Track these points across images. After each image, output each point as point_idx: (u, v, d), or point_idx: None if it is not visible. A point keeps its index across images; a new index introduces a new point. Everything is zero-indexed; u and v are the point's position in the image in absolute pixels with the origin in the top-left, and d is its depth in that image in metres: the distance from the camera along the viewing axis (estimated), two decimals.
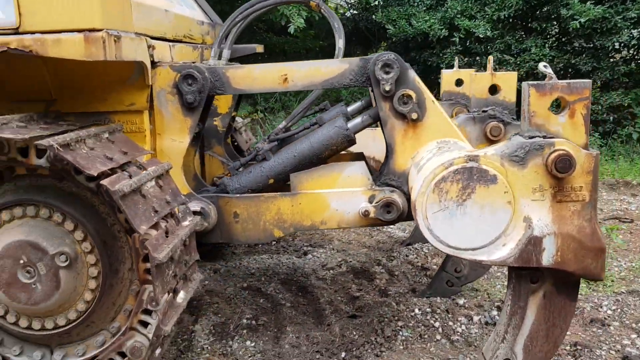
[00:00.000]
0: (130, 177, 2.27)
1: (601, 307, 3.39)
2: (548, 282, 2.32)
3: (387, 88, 2.64)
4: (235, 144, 4.38)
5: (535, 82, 2.16)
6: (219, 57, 3.19)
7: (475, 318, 3.25)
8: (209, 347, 3.07)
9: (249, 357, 2.96)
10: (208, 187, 3.07)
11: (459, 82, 3.81)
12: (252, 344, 3.09)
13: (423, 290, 3.66)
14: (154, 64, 2.73)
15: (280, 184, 2.99)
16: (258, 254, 4.48)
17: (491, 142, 3.10)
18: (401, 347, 2.99)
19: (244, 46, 4.19)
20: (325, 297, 3.62)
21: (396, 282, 3.86)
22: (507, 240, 2.23)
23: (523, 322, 2.36)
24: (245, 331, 3.21)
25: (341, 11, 12.48)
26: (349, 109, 3.11)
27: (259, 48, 4.24)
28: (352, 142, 2.89)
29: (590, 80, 2.18)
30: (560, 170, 2.14)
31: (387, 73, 2.65)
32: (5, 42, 2.13)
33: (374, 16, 8.70)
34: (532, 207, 2.21)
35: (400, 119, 2.69)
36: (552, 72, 2.17)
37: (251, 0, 3.25)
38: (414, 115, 2.65)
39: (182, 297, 2.46)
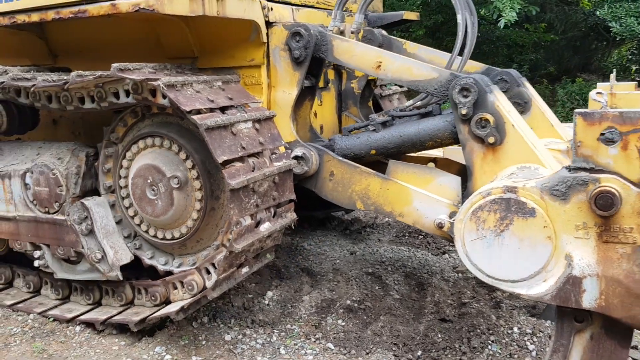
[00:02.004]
0: (223, 114, 2.68)
1: None
2: (596, 323, 2.17)
3: (464, 112, 2.62)
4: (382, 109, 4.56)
5: (583, 110, 2.01)
6: (341, 21, 3.41)
7: None
8: (306, 317, 3.33)
9: (334, 334, 3.14)
10: (322, 140, 3.35)
11: None
12: (343, 323, 3.25)
13: (543, 310, 3.38)
14: (270, 24, 3.10)
15: (381, 157, 3.12)
16: (397, 245, 4.56)
17: None
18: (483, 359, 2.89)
19: (391, 13, 4.34)
20: (435, 297, 3.57)
21: (519, 298, 3.56)
22: (548, 277, 2.14)
23: None
24: (342, 310, 3.38)
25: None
26: None
27: (409, 15, 4.32)
28: (457, 140, 2.87)
29: None
30: (601, 207, 2.00)
31: (465, 97, 2.63)
32: (137, 3, 2.69)
33: (597, 12, 7.80)
34: (575, 244, 2.09)
35: (479, 142, 2.63)
36: (604, 100, 1.97)
37: None
38: (491, 140, 2.58)
39: (265, 227, 2.82)
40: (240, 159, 2.67)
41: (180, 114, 2.70)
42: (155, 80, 2.57)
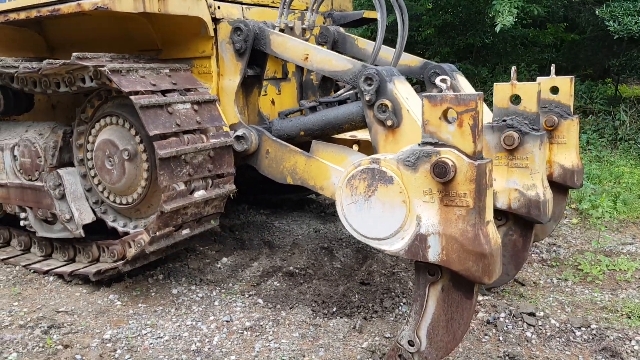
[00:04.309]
0: (163, 96, 3.16)
1: (629, 341, 2.96)
2: (445, 277, 2.50)
3: (367, 98, 3.03)
4: None
5: (428, 94, 2.35)
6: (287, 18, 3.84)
7: (480, 314, 3.22)
8: (249, 279, 3.76)
9: (266, 292, 3.54)
10: (266, 123, 3.79)
11: (554, 90, 3.75)
12: (278, 284, 3.65)
13: None
14: (217, 20, 3.57)
15: (309, 138, 3.53)
16: None
17: (507, 151, 3.13)
18: (391, 319, 3.19)
19: (352, 12, 4.74)
20: (372, 268, 3.89)
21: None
22: (405, 235, 2.47)
23: (425, 310, 2.56)
24: (282, 275, 3.80)
25: None
26: None
27: (368, 14, 4.70)
28: None
29: (478, 93, 2.27)
30: (437, 175, 2.32)
31: (369, 85, 3.03)
32: (95, 2, 3.21)
33: (597, 11, 7.85)
34: (424, 207, 2.41)
35: (381, 125, 3.03)
36: (447, 86, 2.31)
37: None
38: (389, 122, 2.99)
39: (200, 194, 3.28)
40: (175, 134, 3.14)
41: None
42: (103, 66, 3.07)
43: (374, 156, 2.58)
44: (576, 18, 11.11)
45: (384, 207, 2.54)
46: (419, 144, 2.44)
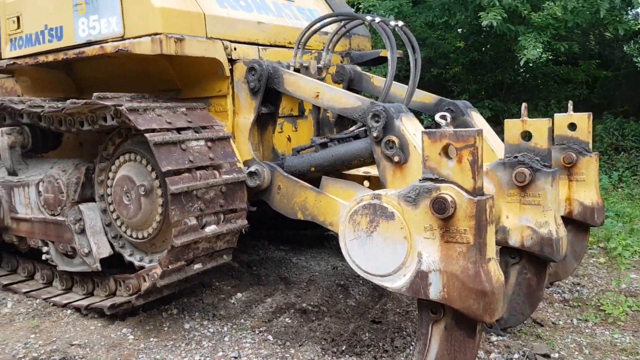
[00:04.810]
0: (178, 134, 3.26)
1: None
2: (448, 315, 2.47)
3: (375, 134, 3.08)
4: None
5: (428, 130, 2.38)
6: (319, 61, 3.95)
7: (493, 355, 3.14)
8: (261, 315, 3.73)
9: (276, 329, 3.51)
10: (280, 159, 3.85)
11: (572, 127, 3.74)
12: (290, 321, 3.62)
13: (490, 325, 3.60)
14: (233, 61, 3.68)
15: (319, 174, 3.56)
16: None
17: (519, 187, 3.11)
18: (402, 359, 3.13)
19: (370, 52, 4.82)
20: (386, 306, 3.85)
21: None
22: (407, 272, 2.47)
23: (429, 349, 2.52)
24: (295, 311, 3.78)
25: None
26: None
27: (385, 53, 4.76)
28: None
29: (477, 129, 2.28)
30: (437, 211, 2.33)
31: (376, 122, 3.08)
32: (117, 46, 3.37)
33: (625, 47, 7.77)
34: (425, 244, 2.41)
35: (388, 161, 3.07)
36: (447, 122, 2.33)
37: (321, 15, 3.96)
38: (396, 158, 3.02)
39: (211, 229, 3.33)
40: (188, 170, 3.22)
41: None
42: (121, 105, 3.20)
43: (375, 192, 2.59)
44: (610, 55, 11.01)
45: (385, 243, 2.53)
46: (420, 180, 2.45)
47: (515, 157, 3.16)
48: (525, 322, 3.56)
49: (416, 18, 9.05)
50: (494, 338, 3.38)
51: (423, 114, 6.80)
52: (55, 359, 3.11)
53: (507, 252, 3.30)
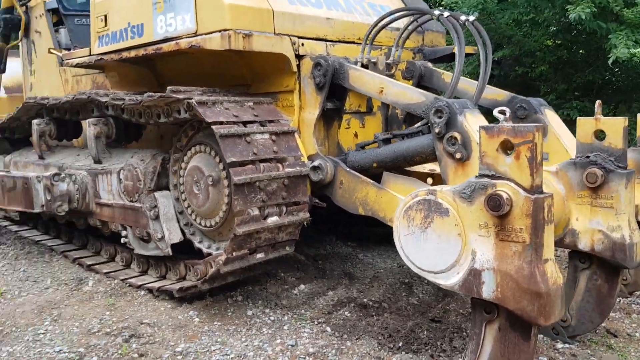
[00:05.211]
0: (244, 127, 3.38)
1: None
2: (502, 316, 2.40)
3: (437, 130, 3.03)
4: None
5: (486, 125, 2.33)
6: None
7: None
8: (322, 307, 3.79)
9: (335, 321, 3.55)
10: (344, 154, 3.87)
11: None
12: (349, 315, 3.66)
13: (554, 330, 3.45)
14: (300, 57, 3.76)
15: (381, 170, 3.56)
16: None
17: (590, 189, 2.95)
18: (460, 359, 3.06)
19: (443, 47, 4.73)
20: (449, 306, 3.79)
21: None
22: (460, 270, 2.42)
23: (482, 350, 2.46)
24: (355, 306, 3.80)
25: None
26: None
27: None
28: None
29: (537, 125, 2.21)
30: (491, 208, 2.27)
31: (439, 117, 3.03)
32: (190, 42, 3.54)
33: None
34: (479, 241, 2.36)
35: (450, 157, 3.00)
36: (505, 117, 2.26)
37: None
38: (458, 155, 2.95)
39: (273, 220, 3.42)
40: (252, 162, 3.33)
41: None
42: (191, 99, 3.36)
43: (431, 187, 2.56)
44: None
45: (439, 240, 2.50)
46: (476, 176, 2.39)
47: (587, 157, 3.00)
48: (597, 331, 3.39)
49: (502, 15, 8.76)
50: (559, 345, 3.23)
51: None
52: (126, 335, 3.32)
53: (577, 257, 3.14)
